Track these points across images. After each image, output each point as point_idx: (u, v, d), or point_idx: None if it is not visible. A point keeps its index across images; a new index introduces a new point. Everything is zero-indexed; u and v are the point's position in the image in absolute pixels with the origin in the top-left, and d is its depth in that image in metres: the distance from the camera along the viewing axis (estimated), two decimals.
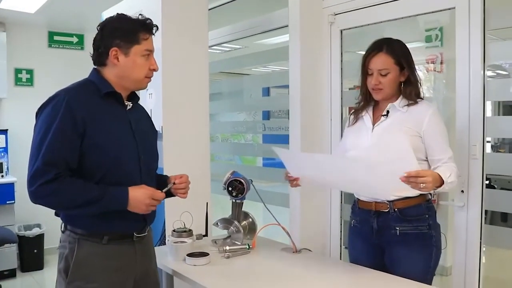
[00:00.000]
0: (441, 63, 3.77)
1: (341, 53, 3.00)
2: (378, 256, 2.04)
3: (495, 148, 6.11)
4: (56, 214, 1.69)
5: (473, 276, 2.38)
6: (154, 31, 1.72)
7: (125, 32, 1.64)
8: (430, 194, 2.04)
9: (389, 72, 1.93)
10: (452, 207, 2.51)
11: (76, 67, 5.14)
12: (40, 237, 4.68)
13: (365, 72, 2.00)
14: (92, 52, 1.71)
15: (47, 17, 4.72)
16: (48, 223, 4.76)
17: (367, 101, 2.08)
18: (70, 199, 1.53)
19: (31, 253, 4.63)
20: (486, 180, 4.05)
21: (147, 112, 1.91)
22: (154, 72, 1.75)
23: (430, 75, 3.90)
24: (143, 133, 1.74)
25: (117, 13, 1.71)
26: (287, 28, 3.11)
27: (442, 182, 1.77)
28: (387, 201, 1.95)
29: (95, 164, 1.58)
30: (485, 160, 2.35)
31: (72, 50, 5.25)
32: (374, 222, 2.00)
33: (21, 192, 4.60)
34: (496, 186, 4.14)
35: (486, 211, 3.13)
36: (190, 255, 2.06)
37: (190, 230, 2.23)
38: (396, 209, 1.94)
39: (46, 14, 4.51)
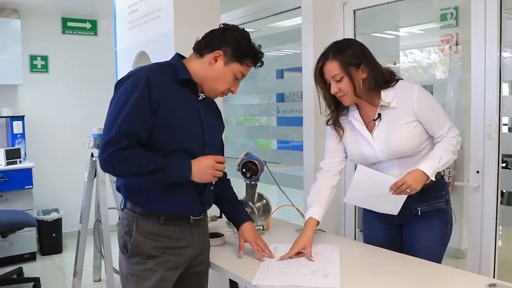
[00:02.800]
0: (457, 44, 3.73)
1: (354, 34, 2.97)
2: (396, 233, 2.07)
3: None
4: (118, 190, 1.76)
5: (489, 258, 2.37)
6: (257, 65, 1.78)
7: (239, 48, 1.70)
8: (443, 171, 2.03)
9: (342, 76, 1.85)
10: (467, 188, 2.49)
11: (90, 52, 5.22)
12: (58, 221, 4.77)
13: (326, 83, 1.93)
14: (200, 37, 1.77)
15: (60, 3, 4.74)
16: (65, 208, 4.86)
17: (338, 105, 1.99)
18: (137, 167, 1.57)
19: (50, 237, 4.72)
20: (503, 162, 4.00)
21: (217, 107, 1.93)
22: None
23: (446, 56, 3.86)
24: (210, 124, 1.78)
25: (244, 29, 1.76)
26: (300, 10, 3.09)
27: (428, 175, 1.80)
28: None
29: (161, 143, 1.62)
30: (501, 140, 2.33)
31: (86, 36, 5.26)
32: None
33: (39, 177, 4.70)
34: None
35: (503, 192, 3.10)
36: None
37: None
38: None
39: (59, 0, 4.53)
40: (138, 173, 1.59)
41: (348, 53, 1.87)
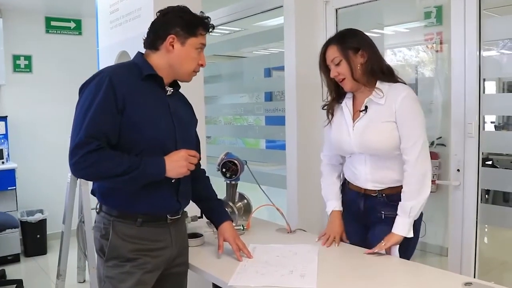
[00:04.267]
0: (441, 42, 3.74)
1: None
2: (364, 233, 2.07)
3: (499, 128, 6.04)
4: (92, 193, 1.74)
5: (469, 255, 2.37)
6: (210, 30, 1.78)
7: (186, 23, 1.69)
8: None
9: (341, 60, 1.92)
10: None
11: (74, 52, 5.18)
12: (42, 223, 4.73)
13: (328, 69, 2.00)
14: (145, 35, 1.75)
15: (44, 2, 4.69)
16: (50, 209, 4.81)
17: (339, 94, 2.06)
18: (110, 168, 1.54)
19: (34, 238, 4.68)
20: (489, 160, 4.00)
21: (188, 101, 1.92)
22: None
23: (433, 55, 3.87)
24: (181, 119, 1.76)
25: (179, 5, 1.75)
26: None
27: (404, 235, 1.85)
28: (377, 190, 1.98)
29: (131, 142, 1.60)
30: (481, 138, 2.33)
31: (70, 35, 5.23)
32: (361, 203, 2.04)
33: (23, 178, 4.66)
34: (498, 166, 4.11)
35: (488, 190, 3.10)
36: None
37: (184, 211, 2.24)
38: (383, 194, 1.97)
39: None
40: (111, 174, 1.55)
41: (349, 38, 1.95)
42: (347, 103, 2.04)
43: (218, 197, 2.07)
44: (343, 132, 2.02)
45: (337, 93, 2.06)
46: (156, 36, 1.70)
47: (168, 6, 1.76)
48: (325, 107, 2.12)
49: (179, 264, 1.82)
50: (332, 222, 2.09)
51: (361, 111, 1.96)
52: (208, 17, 1.77)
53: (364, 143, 1.94)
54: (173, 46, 1.68)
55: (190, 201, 1.92)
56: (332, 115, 2.09)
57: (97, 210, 1.73)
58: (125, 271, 1.63)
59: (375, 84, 1.94)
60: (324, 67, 2.01)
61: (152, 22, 1.74)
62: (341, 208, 2.12)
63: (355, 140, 1.96)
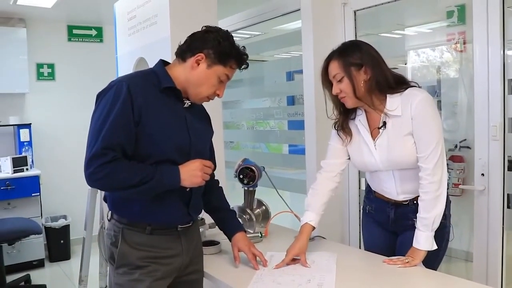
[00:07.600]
0: (464, 42, 3.64)
1: (355, 35, 2.92)
2: (392, 240, 2.02)
3: None
4: (104, 200, 1.73)
5: (496, 262, 2.30)
6: (242, 67, 1.74)
7: (222, 49, 1.65)
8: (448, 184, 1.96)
9: (342, 76, 1.81)
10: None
11: (96, 59, 5.26)
12: (66, 228, 4.80)
13: (331, 84, 1.89)
14: (181, 42, 1.71)
15: (65, 11, 4.76)
16: (73, 214, 4.88)
17: (347, 108, 1.93)
18: (126, 179, 1.53)
19: (58, 244, 4.75)
20: None
21: (206, 112, 1.89)
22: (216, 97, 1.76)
23: (457, 55, 3.77)
24: (197, 132, 1.74)
25: (227, 30, 1.73)
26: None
27: (428, 250, 1.78)
28: (408, 199, 1.92)
29: (145, 154, 1.58)
30: (507, 141, 2.26)
31: (92, 43, 5.31)
32: (391, 212, 1.97)
33: (47, 184, 4.75)
34: None
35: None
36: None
37: (202, 219, 2.22)
38: (415, 202, 1.89)
39: (63, 8, 4.55)
40: (126, 185, 1.53)
41: (351, 54, 1.83)
42: (361, 120, 1.93)
43: (237, 203, 2.03)
44: (364, 152, 1.92)
45: (344, 108, 1.94)
46: (188, 48, 1.67)
47: (215, 26, 1.73)
48: (337, 126, 1.99)
49: (192, 271, 1.80)
50: (299, 239, 1.91)
51: (380, 128, 1.87)
52: (246, 54, 1.72)
53: (390, 161, 1.86)
54: (198, 64, 1.64)
55: None
56: (350, 136, 1.96)
57: (108, 218, 1.73)
58: (134, 279, 1.62)
59: (385, 98, 1.84)
60: (327, 82, 1.90)
61: (193, 33, 1.70)
62: (316, 225, 1.96)
63: (380, 159, 1.88)
